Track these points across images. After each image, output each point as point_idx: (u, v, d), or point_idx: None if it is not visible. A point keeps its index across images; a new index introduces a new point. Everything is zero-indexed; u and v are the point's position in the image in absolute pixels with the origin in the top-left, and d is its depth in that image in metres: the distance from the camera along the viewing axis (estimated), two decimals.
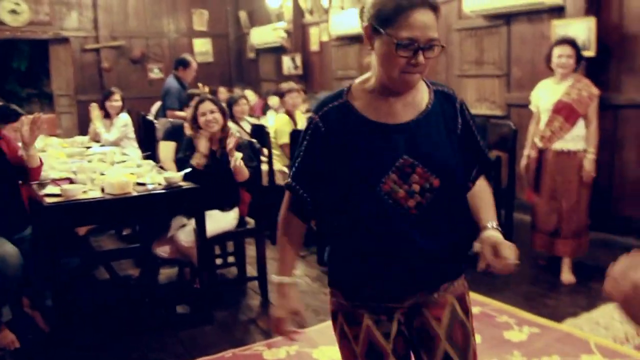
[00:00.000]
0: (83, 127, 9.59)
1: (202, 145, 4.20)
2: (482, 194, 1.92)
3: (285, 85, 6.37)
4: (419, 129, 1.77)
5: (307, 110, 6.77)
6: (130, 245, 5.41)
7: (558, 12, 5.81)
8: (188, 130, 4.72)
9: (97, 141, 6.32)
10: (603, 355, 3.36)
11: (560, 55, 4.47)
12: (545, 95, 4.67)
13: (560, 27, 5.60)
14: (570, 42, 4.53)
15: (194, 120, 4.29)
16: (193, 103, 4.44)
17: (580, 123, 4.49)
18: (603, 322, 3.81)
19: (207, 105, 4.26)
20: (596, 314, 3.93)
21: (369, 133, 1.75)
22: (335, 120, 1.78)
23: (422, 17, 1.64)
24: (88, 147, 5.78)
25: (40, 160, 3.86)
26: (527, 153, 4.79)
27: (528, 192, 4.90)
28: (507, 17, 6.39)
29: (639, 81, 5.35)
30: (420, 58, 1.66)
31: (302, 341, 3.67)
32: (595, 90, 4.49)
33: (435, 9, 1.67)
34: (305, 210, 1.89)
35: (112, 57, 10.70)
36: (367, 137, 1.75)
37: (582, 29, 5.42)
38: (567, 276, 4.58)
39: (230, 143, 4.12)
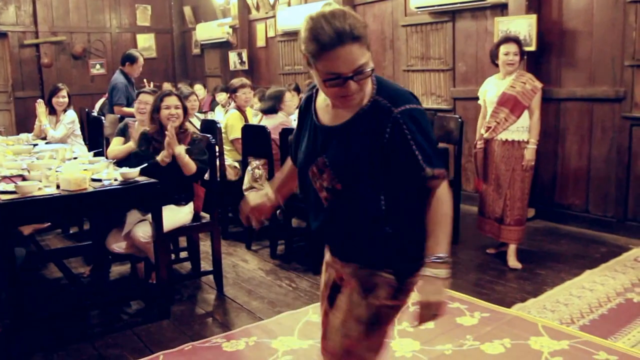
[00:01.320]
0: (21, 124, 9.38)
1: (173, 143, 4.14)
2: (431, 215, 1.89)
3: (237, 81, 6.38)
4: (340, 134, 1.86)
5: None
6: (81, 243, 5.33)
7: (501, 8, 6.00)
8: (139, 127, 4.71)
9: (43, 138, 6.19)
10: (550, 337, 3.49)
11: (507, 53, 4.63)
12: (491, 89, 4.84)
13: (503, 24, 5.78)
14: (516, 40, 4.71)
15: (155, 111, 4.27)
16: (158, 94, 4.43)
17: (525, 115, 4.64)
18: (549, 305, 3.97)
19: (173, 100, 4.26)
20: (543, 299, 4.09)
21: (312, 127, 1.98)
22: (304, 107, 2.07)
23: (345, 53, 1.69)
24: (34, 145, 5.66)
25: None
26: (475, 143, 4.98)
27: (476, 181, 5.09)
28: (451, 14, 6.54)
29: (578, 75, 5.57)
30: (350, 86, 1.74)
31: (260, 332, 3.72)
32: (538, 84, 4.66)
33: (357, 39, 1.70)
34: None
35: (52, 52, 10.44)
36: (309, 129, 1.98)
37: (523, 25, 5.61)
38: (513, 262, 4.75)
39: (168, 135, 4.09)
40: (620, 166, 5.32)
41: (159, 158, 4.13)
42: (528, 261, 4.83)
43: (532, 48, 5.58)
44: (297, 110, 5.07)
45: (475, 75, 6.43)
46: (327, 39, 1.69)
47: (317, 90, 2.00)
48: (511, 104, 4.64)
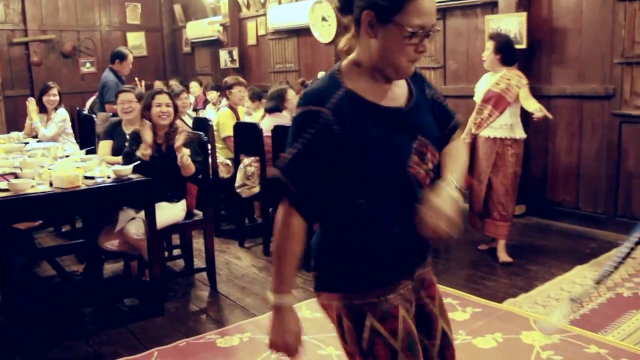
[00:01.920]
0: (11, 123, 9.32)
1: (147, 135, 4.18)
2: (456, 151, 1.86)
3: (231, 79, 6.39)
4: (417, 110, 1.75)
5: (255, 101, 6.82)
6: (74, 241, 5.33)
7: (491, 7, 6.04)
8: (128, 128, 4.72)
9: (34, 137, 6.17)
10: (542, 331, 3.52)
11: (485, 50, 4.76)
12: (480, 86, 4.92)
13: (494, 22, 5.82)
14: (492, 38, 4.81)
15: (146, 109, 4.28)
16: (149, 92, 4.44)
17: (508, 112, 4.70)
18: (541, 300, 4.01)
19: (164, 98, 4.28)
20: (534, 294, 4.13)
21: (384, 119, 1.67)
22: (348, 114, 1.62)
23: (429, 2, 1.59)
24: (25, 143, 5.65)
25: None
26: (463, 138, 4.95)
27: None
28: (442, 12, 6.56)
29: (568, 72, 5.62)
30: (426, 44, 1.62)
31: (254, 328, 3.75)
32: (524, 81, 4.70)
33: None
34: (299, 205, 1.67)
35: (42, 51, 10.39)
36: (384, 123, 1.66)
37: (513, 23, 5.66)
38: (503, 256, 4.81)
39: (179, 140, 4.12)
40: (610, 163, 5.37)
41: (138, 153, 4.14)
42: (519, 257, 4.87)
43: (523, 46, 5.62)
44: None
45: (466, 73, 6.46)
46: None
47: (344, 92, 1.66)
48: (494, 101, 4.71)
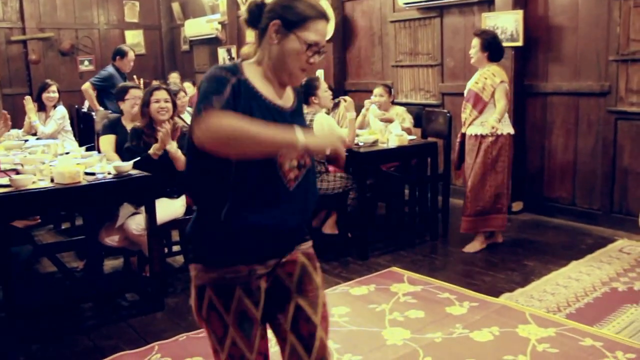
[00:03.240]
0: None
1: (166, 137, 4.18)
2: None
3: None
4: (296, 115, 2.02)
5: None
6: (74, 238, 5.35)
7: (488, 4, 6.08)
8: (128, 124, 4.73)
9: (33, 134, 6.21)
10: (538, 324, 3.57)
11: (471, 47, 4.86)
12: (469, 85, 5.02)
13: (490, 19, 5.86)
14: (478, 34, 4.89)
15: (145, 105, 4.31)
16: (148, 89, 4.47)
17: (488, 111, 4.81)
18: (537, 295, 4.05)
19: (163, 94, 4.32)
20: (530, 288, 4.17)
21: (268, 112, 1.88)
22: (242, 95, 1.85)
23: (325, 27, 1.93)
24: (25, 141, 5.68)
25: None
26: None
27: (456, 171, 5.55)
28: (439, 9, 6.61)
29: (564, 70, 5.65)
30: (317, 59, 1.92)
31: None
32: (498, 79, 4.76)
33: (328, 20, 1.97)
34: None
35: (40, 49, 10.38)
36: (266, 113, 1.87)
37: (510, 20, 5.70)
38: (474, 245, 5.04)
39: (161, 132, 4.14)
40: (606, 159, 5.40)
41: (151, 151, 4.17)
42: (516, 252, 4.93)
43: (519, 43, 5.66)
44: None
45: (463, 70, 6.49)
46: (321, 9, 1.93)
47: (244, 78, 1.88)
48: (473, 100, 4.83)
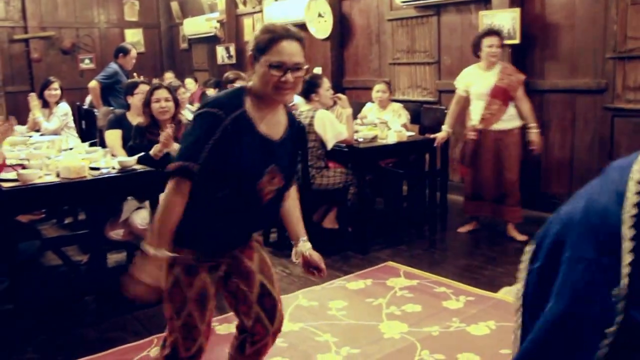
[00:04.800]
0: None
1: (168, 138, 4.18)
2: (294, 209, 2.47)
3: (232, 74, 6.47)
4: (282, 145, 2.25)
5: None
6: (78, 232, 5.41)
7: (485, 2, 6.12)
8: (134, 119, 4.79)
9: (37, 130, 6.26)
10: None
11: (491, 45, 4.91)
12: (477, 81, 5.09)
13: (487, 17, 5.90)
14: (498, 33, 5.00)
15: (146, 105, 4.35)
16: (148, 88, 4.51)
17: (511, 104, 4.99)
18: None
19: (163, 93, 4.32)
20: None
21: (258, 142, 2.15)
22: (240, 126, 2.11)
23: (289, 46, 2.09)
24: (29, 137, 5.74)
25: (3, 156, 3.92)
26: (447, 130, 5.37)
27: (461, 168, 5.44)
28: (436, 8, 6.66)
29: (561, 67, 5.71)
30: (289, 77, 2.08)
31: None
32: (521, 76, 4.99)
33: (299, 40, 2.14)
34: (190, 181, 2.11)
35: (42, 47, 10.46)
36: (257, 145, 2.15)
37: (507, 18, 5.75)
38: (519, 235, 5.16)
39: (164, 135, 4.17)
40: (602, 156, 5.43)
41: (152, 152, 4.20)
42: (514, 247, 4.97)
43: (516, 41, 5.71)
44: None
45: (460, 68, 6.43)
46: (280, 30, 2.11)
47: (242, 111, 2.13)
48: (503, 96, 4.94)
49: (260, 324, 2.40)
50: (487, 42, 4.95)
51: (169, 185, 2.07)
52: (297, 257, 2.43)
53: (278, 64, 2.07)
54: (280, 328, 2.48)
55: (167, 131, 4.18)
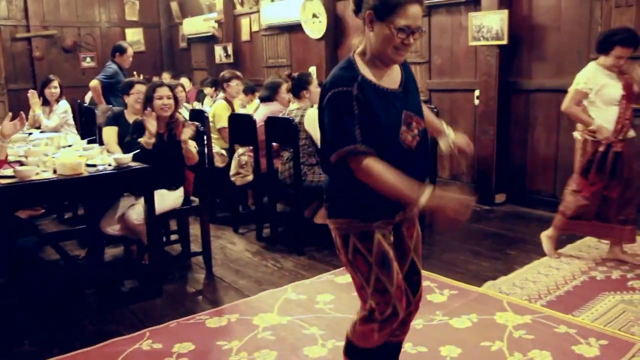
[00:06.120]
0: (15, 115, 9.50)
1: (152, 125, 4.34)
2: (430, 115, 2.54)
3: (228, 73, 6.59)
4: (406, 90, 2.33)
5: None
6: (76, 227, 5.52)
7: (474, 4, 6.22)
8: (131, 117, 4.90)
9: (37, 128, 6.38)
10: (515, 312, 3.67)
11: (620, 57, 4.22)
12: (611, 85, 4.34)
13: (477, 18, 6.01)
14: (635, 44, 4.21)
15: (147, 101, 4.45)
16: (150, 85, 4.61)
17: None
18: (519, 283, 4.18)
19: (165, 91, 4.46)
20: (512, 276, 4.31)
21: (385, 98, 2.23)
22: (366, 91, 2.18)
23: (415, 10, 2.13)
24: (29, 134, 5.85)
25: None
26: (582, 138, 4.50)
27: (583, 182, 4.50)
28: (427, 9, 6.71)
29: (547, 67, 5.81)
30: (411, 40, 2.16)
31: (244, 309, 3.90)
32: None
33: (422, 3, 2.16)
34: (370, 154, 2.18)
35: (44, 46, 10.60)
36: (385, 101, 2.22)
37: (495, 20, 5.86)
38: (627, 257, 4.61)
39: (185, 134, 4.35)
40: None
41: (142, 141, 4.31)
42: (499, 243, 5.08)
43: (504, 42, 5.82)
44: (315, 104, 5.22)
45: (450, 68, 6.65)
46: None
47: (361, 77, 2.19)
48: (635, 99, 4.40)
49: (405, 297, 2.43)
50: (619, 52, 4.19)
51: (356, 166, 2.16)
52: (446, 147, 2.55)
53: (405, 27, 2.12)
54: (420, 300, 2.60)
55: (149, 116, 4.34)
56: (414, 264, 2.53)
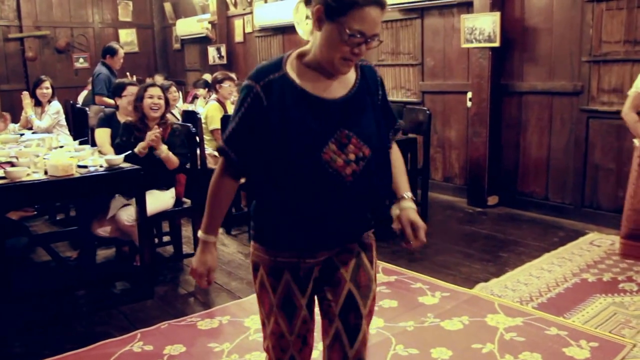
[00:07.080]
0: None
1: (150, 139, 4.31)
2: (397, 162, 2.08)
3: (221, 75, 6.59)
4: (351, 103, 1.89)
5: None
6: (68, 228, 5.51)
7: (467, 6, 6.23)
8: (122, 119, 4.89)
9: (29, 128, 6.37)
10: (506, 314, 3.68)
11: None
12: None
13: (469, 21, 6.02)
14: None
15: (138, 100, 4.45)
16: (142, 85, 4.61)
17: None
18: (511, 285, 4.18)
19: (156, 91, 4.47)
20: (504, 279, 4.31)
21: (308, 106, 1.83)
22: (277, 93, 1.82)
23: (374, 14, 1.74)
24: (21, 134, 5.84)
25: None
26: None
27: None
28: (420, 11, 6.77)
29: (538, 70, 5.81)
30: (363, 49, 1.78)
31: (235, 311, 3.90)
32: None
33: (383, 7, 1.78)
34: (236, 171, 1.95)
35: (37, 46, 10.58)
36: (307, 109, 1.83)
37: (488, 22, 5.86)
38: None
39: (150, 136, 4.30)
40: (578, 156, 5.56)
41: (136, 150, 4.31)
42: (491, 245, 5.08)
43: (496, 44, 5.83)
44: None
45: (442, 69, 6.66)
46: None
47: (274, 72, 1.86)
48: None
49: (338, 344, 2.00)
50: None
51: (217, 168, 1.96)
52: (395, 220, 2.00)
53: (358, 33, 1.74)
54: (362, 355, 2.02)
55: (155, 131, 4.30)
56: (351, 299, 2.00)
